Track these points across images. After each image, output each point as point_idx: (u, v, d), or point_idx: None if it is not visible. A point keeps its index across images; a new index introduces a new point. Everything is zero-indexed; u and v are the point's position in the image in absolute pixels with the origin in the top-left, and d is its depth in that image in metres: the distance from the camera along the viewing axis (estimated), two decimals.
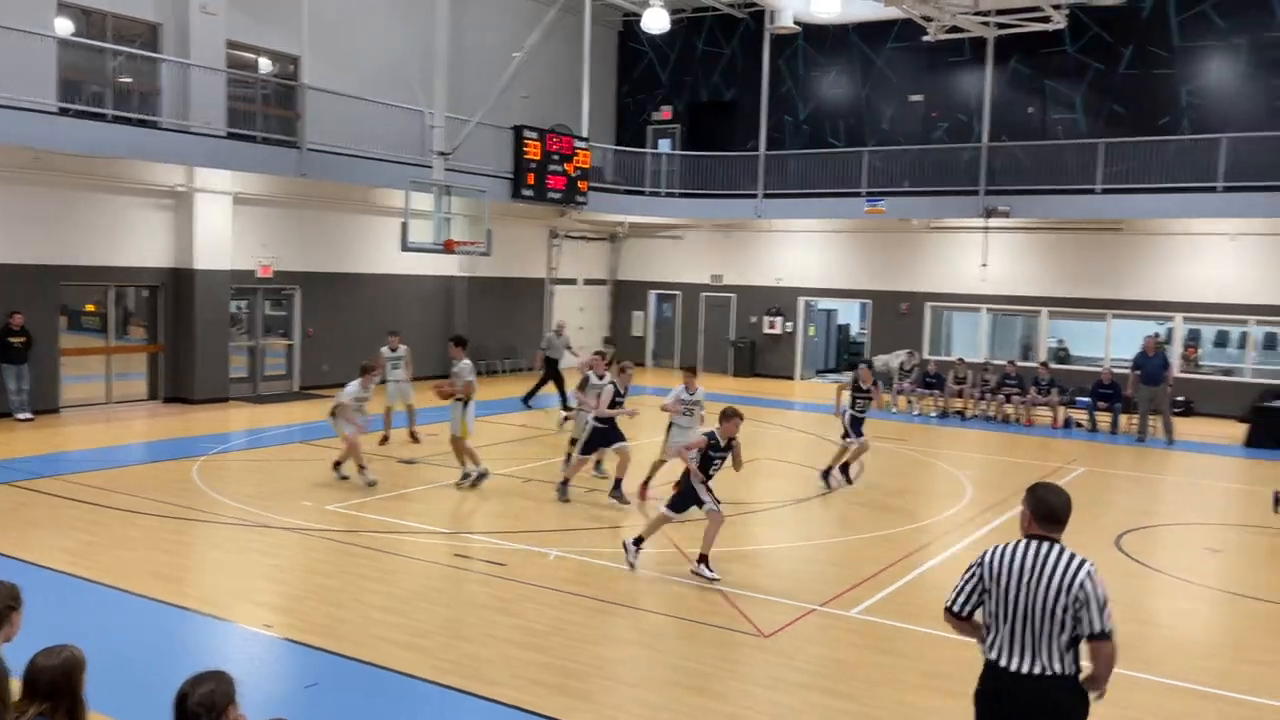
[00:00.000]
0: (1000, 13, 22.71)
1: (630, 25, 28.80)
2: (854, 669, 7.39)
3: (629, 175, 27.19)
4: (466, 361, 12.82)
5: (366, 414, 13.04)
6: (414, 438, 15.61)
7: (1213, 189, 20.53)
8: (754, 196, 26.16)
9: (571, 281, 28.76)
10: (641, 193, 27.00)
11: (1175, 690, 7.21)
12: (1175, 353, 22.33)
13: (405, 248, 18.49)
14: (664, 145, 28.83)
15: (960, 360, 22.65)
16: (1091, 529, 11.80)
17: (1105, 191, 21.69)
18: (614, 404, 12.19)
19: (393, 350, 15.86)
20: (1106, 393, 20.13)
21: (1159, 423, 18.87)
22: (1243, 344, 22.62)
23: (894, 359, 23.42)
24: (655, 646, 7.89)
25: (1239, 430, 19.10)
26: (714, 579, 9.10)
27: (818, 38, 26.55)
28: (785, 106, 27.29)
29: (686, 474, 9.44)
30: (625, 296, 30.01)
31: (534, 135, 22.79)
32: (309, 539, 10.31)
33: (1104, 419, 20.00)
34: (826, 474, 13.60)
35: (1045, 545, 4.41)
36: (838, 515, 12.35)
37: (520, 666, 7.13)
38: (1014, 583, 4.34)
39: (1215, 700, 7.06)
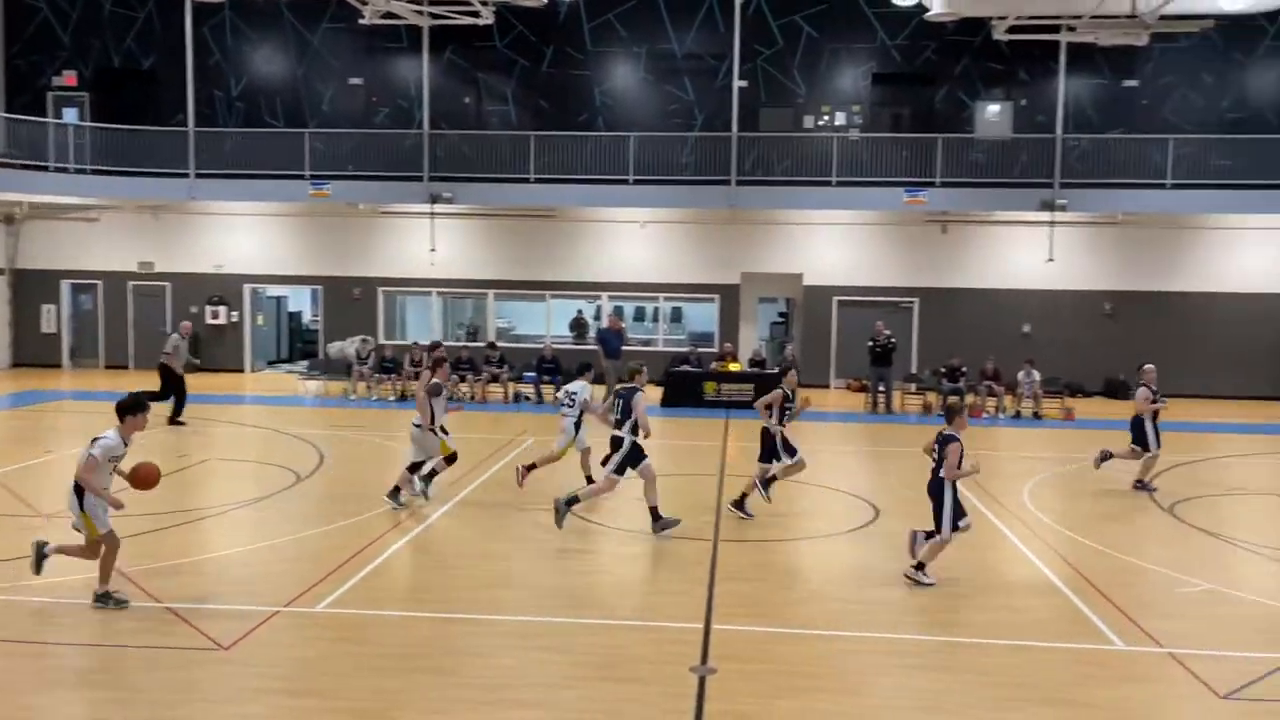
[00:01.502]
0: (433, 2, 23.28)
1: None
2: (324, 664, 7.13)
3: (27, 148, 23.44)
4: None
5: None
6: None
7: (625, 181, 23.10)
8: (186, 176, 24.05)
9: None
10: (44, 168, 23.45)
11: (601, 628, 7.99)
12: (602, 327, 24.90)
13: None
14: (69, 115, 25.22)
15: (415, 344, 23.00)
16: (545, 490, 12.65)
17: (538, 181, 23.37)
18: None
19: None
20: (549, 367, 21.82)
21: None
22: (656, 317, 25.94)
23: (349, 346, 23.10)
24: (103, 686, 6.89)
25: (657, 393, 21.83)
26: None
27: (246, 9, 25.05)
28: (216, 80, 25.41)
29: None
30: (28, 288, 25.91)
31: None
32: None
33: (548, 391, 21.66)
34: (742, 501, 11.79)
35: None
36: (297, 511, 11.82)
37: None
38: None
39: (649, 630, 7.94)
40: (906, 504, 12.58)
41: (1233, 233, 23.81)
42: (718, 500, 12.49)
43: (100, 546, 7.96)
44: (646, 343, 24.81)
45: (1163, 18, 21.07)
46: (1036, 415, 20.55)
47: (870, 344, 21.30)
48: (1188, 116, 23.47)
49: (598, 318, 25.60)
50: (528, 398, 21.85)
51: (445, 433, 11.97)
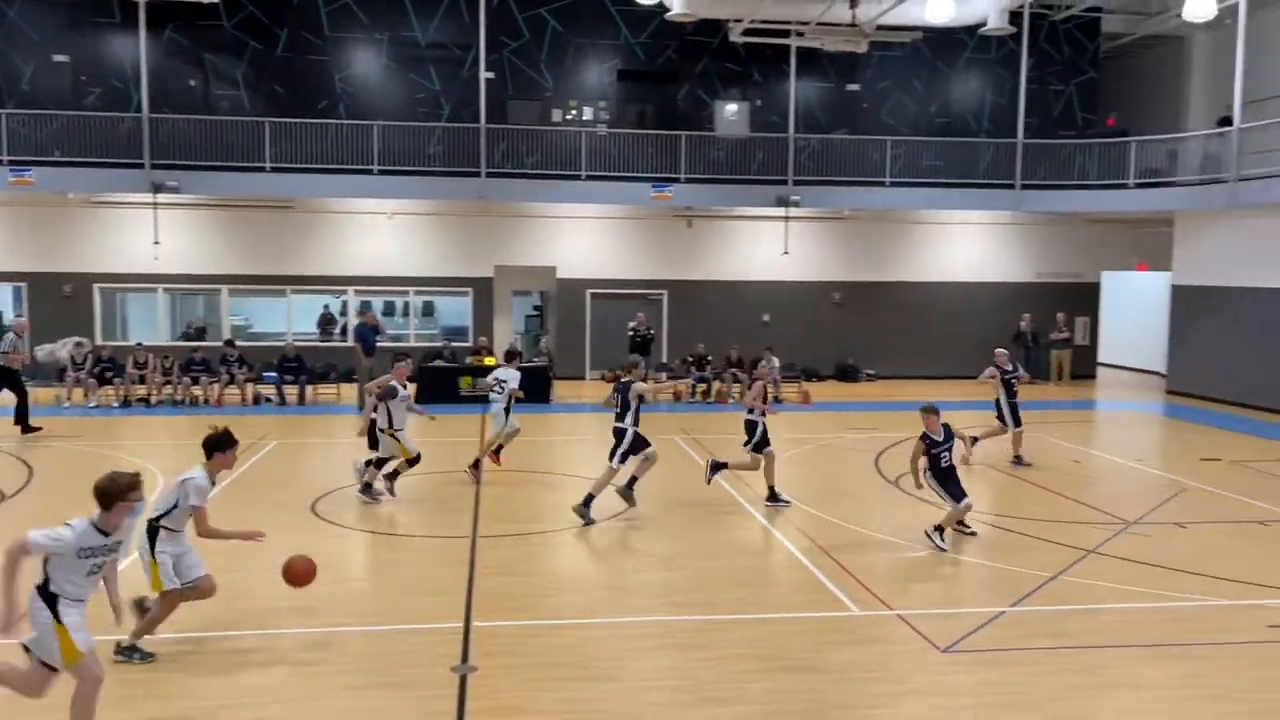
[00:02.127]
0: None
1: None
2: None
3: None
4: None
5: None
6: None
7: (369, 171, 22.32)
8: None
9: None
10: None
11: (373, 635, 7.72)
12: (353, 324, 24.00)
13: None
14: None
15: (140, 345, 21.22)
16: (290, 498, 12.03)
17: (275, 170, 22.13)
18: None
19: None
20: (292, 366, 20.77)
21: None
22: (406, 312, 25.29)
23: (62, 348, 20.96)
24: None
25: (410, 390, 21.24)
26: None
27: None
28: None
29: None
30: None
31: None
32: None
33: (291, 391, 20.60)
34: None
35: None
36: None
37: None
38: None
39: (425, 635, 7.72)
40: (658, 488, 12.92)
41: (943, 227, 26.15)
42: (475, 497, 12.34)
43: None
44: (397, 338, 24.13)
45: (879, 27, 22.79)
46: (777, 399, 21.71)
47: (631, 334, 21.87)
48: (903, 119, 25.52)
49: (344, 313, 24.65)
50: (269, 399, 20.70)
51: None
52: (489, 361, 21.72)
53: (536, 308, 27.08)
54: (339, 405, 20.57)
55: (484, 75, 22.95)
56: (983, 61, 25.63)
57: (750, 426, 12.16)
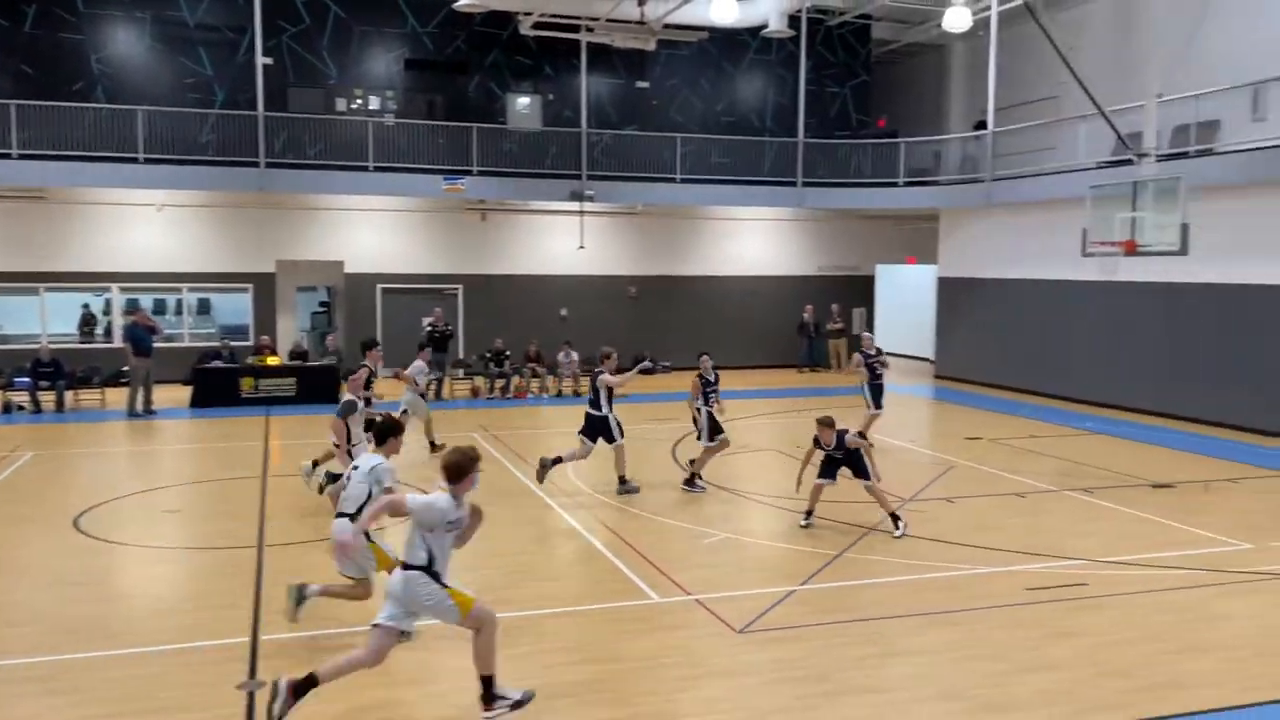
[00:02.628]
0: None
1: None
2: None
3: None
4: None
5: None
6: None
7: (135, 159, 20.74)
8: None
9: None
10: None
11: (133, 658, 7.18)
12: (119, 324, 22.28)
13: None
14: None
15: None
16: (47, 514, 11.04)
17: (22, 157, 20.18)
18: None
19: None
20: (47, 371, 19.06)
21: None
22: (180, 310, 23.70)
23: None
24: None
25: (185, 392, 19.96)
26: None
27: None
28: None
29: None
30: None
31: None
32: None
33: (48, 398, 18.91)
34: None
35: None
36: None
37: None
38: None
39: (190, 653, 7.23)
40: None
41: (732, 223, 27.02)
42: (261, 504, 11.72)
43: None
44: (170, 339, 22.55)
45: (667, 26, 23.27)
46: (576, 393, 21.80)
47: (429, 330, 21.39)
48: (691, 117, 26.16)
49: (108, 313, 22.85)
50: (21, 406, 18.90)
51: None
52: (272, 361, 20.71)
53: (323, 304, 26.03)
54: (105, 411, 19.05)
55: (261, 60, 21.81)
56: (765, 63, 26.64)
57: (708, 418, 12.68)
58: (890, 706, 6.47)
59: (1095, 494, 12.52)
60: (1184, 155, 18.03)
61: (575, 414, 18.13)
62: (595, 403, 12.47)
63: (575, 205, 24.18)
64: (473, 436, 16.36)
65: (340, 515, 7.55)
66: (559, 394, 21.82)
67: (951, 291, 25.28)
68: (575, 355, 22.24)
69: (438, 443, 14.55)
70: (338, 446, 10.37)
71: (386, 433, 7.71)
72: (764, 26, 22.93)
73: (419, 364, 15.26)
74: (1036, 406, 20.43)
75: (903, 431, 17.69)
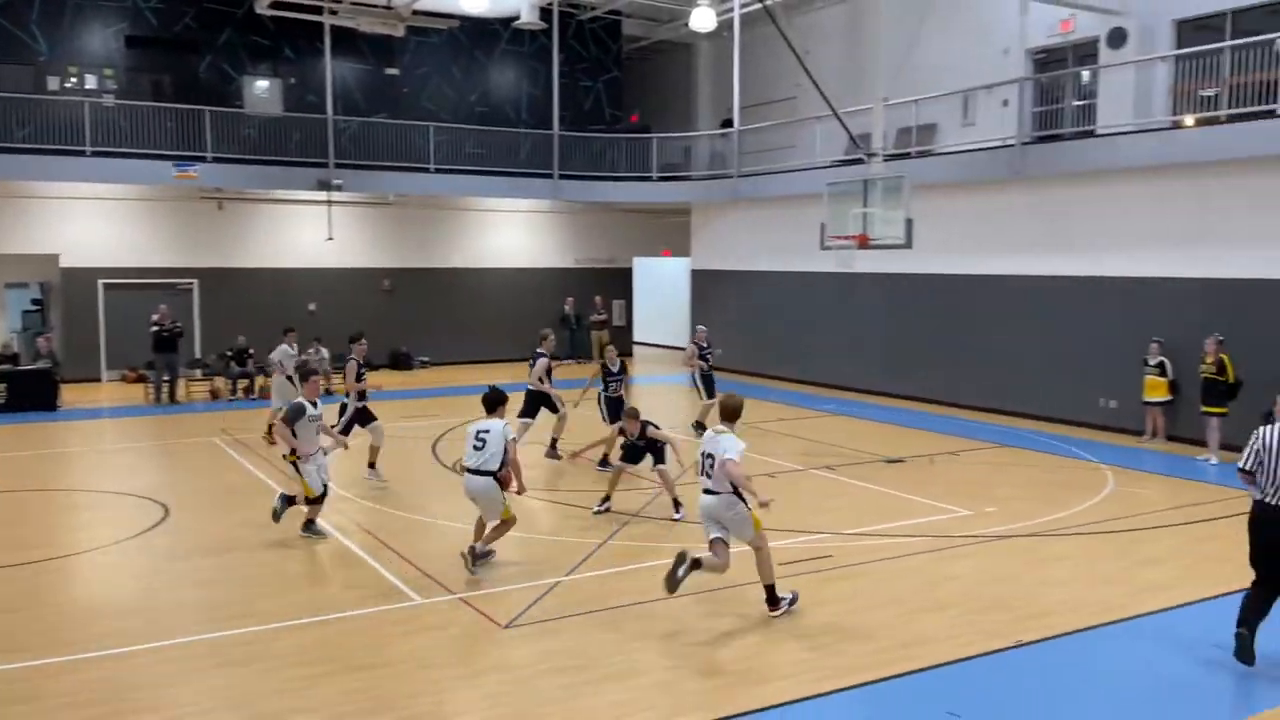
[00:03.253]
0: None
1: None
2: None
3: None
4: None
5: None
6: None
7: None
8: None
9: None
10: None
11: None
12: None
13: None
14: None
15: None
16: None
17: None
18: None
19: None
20: None
21: None
22: None
23: None
24: None
25: None
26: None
27: None
28: None
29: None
30: None
31: None
32: None
33: None
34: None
35: None
36: None
37: None
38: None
39: None
40: (196, 496, 11.90)
41: (489, 214, 26.76)
42: None
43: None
44: None
45: (416, 12, 22.66)
46: (327, 391, 20.83)
47: (155, 329, 19.63)
48: (444, 106, 25.64)
49: None
50: None
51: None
52: None
53: (36, 301, 23.55)
54: None
55: None
56: (518, 54, 26.52)
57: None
58: (653, 688, 6.59)
59: (837, 470, 13.34)
60: (907, 156, 19.54)
61: (327, 412, 17.52)
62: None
63: (322, 195, 23.12)
64: (213, 442, 15.35)
65: (482, 474, 8.79)
66: None
67: (704, 283, 26.21)
68: (326, 352, 21.24)
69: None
70: (293, 453, 9.89)
71: (497, 402, 9.04)
72: (516, 17, 22.80)
73: (284, 348, 15.57)
74: (784, 391, 21.55)
75: (663, 420, 18.11)
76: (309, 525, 10.18)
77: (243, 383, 20.45)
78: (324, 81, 23.30)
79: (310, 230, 24.09)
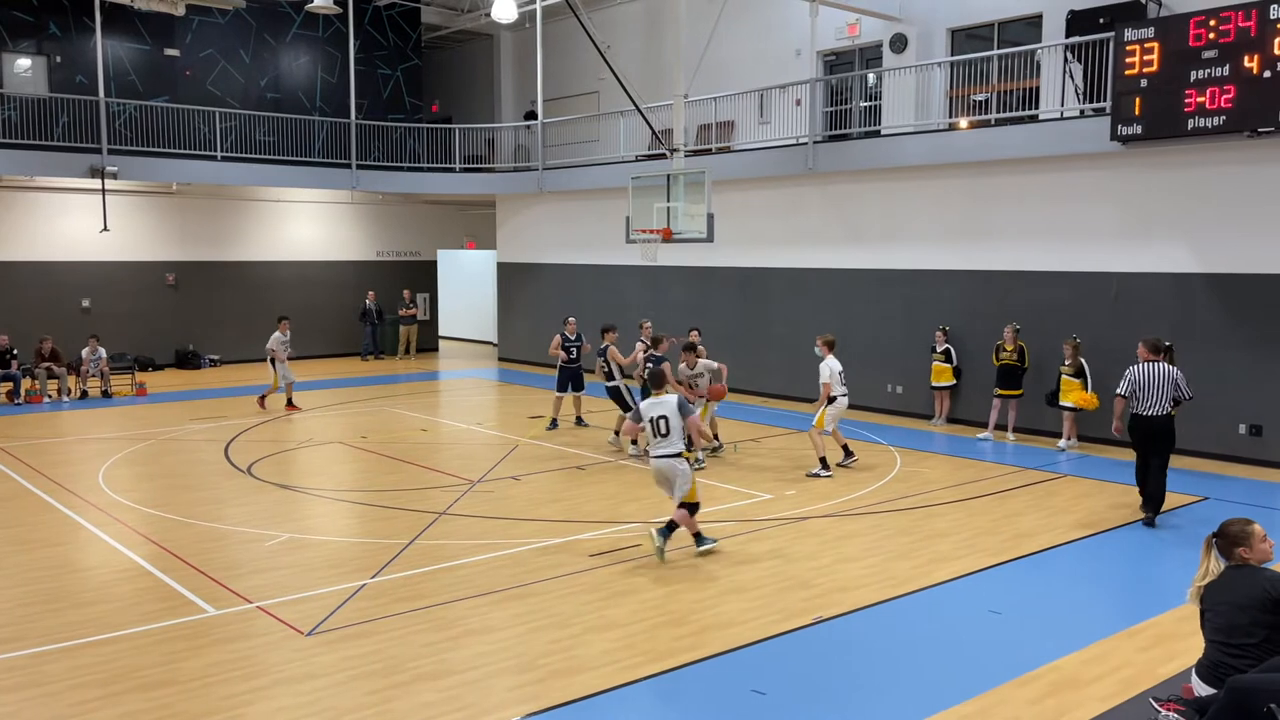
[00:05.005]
0: None
1: None
2: None
3: None
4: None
5: None
6: None
7: None
8: None
9: None
10: None
11: None
12: None
13: None
14: None
15: None
16: None
17: None
18: None
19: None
20: None
21: None
22: None
23: None
24: None
25: None
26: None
27: None
28: None
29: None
30: None
31: None
32: None
33: None
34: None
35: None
36: None
37: None
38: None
39: None
40: None
41: (283, 205, 25.59)
42: None
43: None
44: None
45: None
46: (105, 394, 19.42)
47: None
48: (231, 91, 24.28)
49: None
50: None
51: None
52: None
53: None
54: None
55: None
56: (311, 39, 25.45)
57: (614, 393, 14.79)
58: (465, 686, 6.49)
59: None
60: (708, 151, 20.05)
61: (106, 416, 16.53)
62: (611, 375, 14.81)
63: (95, 182, 21.44)
64: None
65: (669, 456, 9.19)
66: (83, 395, 19.26)
67: (510, 276, 26.02)
68: (104, 351, 19.77)
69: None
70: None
71: (663, 378, 9.91)
72: (309, 0, 21.88)
73: (276, 335, 17.59)
74: (592, 384, 21.68)
75: (470, 415, 17.92)
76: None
77: (6, 386, 18.72)
78: (94, 61, 21.59)
79: (83, 221, 22.33)
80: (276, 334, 17.72)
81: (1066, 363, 14.37)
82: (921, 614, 7.91)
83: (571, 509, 11.03)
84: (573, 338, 16.41)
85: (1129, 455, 13.36)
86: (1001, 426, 15.42)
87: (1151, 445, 10.46)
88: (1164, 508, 10.72)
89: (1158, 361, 10.41)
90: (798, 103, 19.02)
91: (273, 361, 17.73)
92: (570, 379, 16.27)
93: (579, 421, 16.55)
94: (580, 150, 23.56)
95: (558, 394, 16.24)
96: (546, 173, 23.78)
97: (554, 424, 16.16)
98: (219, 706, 6.20)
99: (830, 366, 12.66)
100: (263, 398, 18.01)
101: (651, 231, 15.98)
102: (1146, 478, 10.56)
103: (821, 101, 18.65)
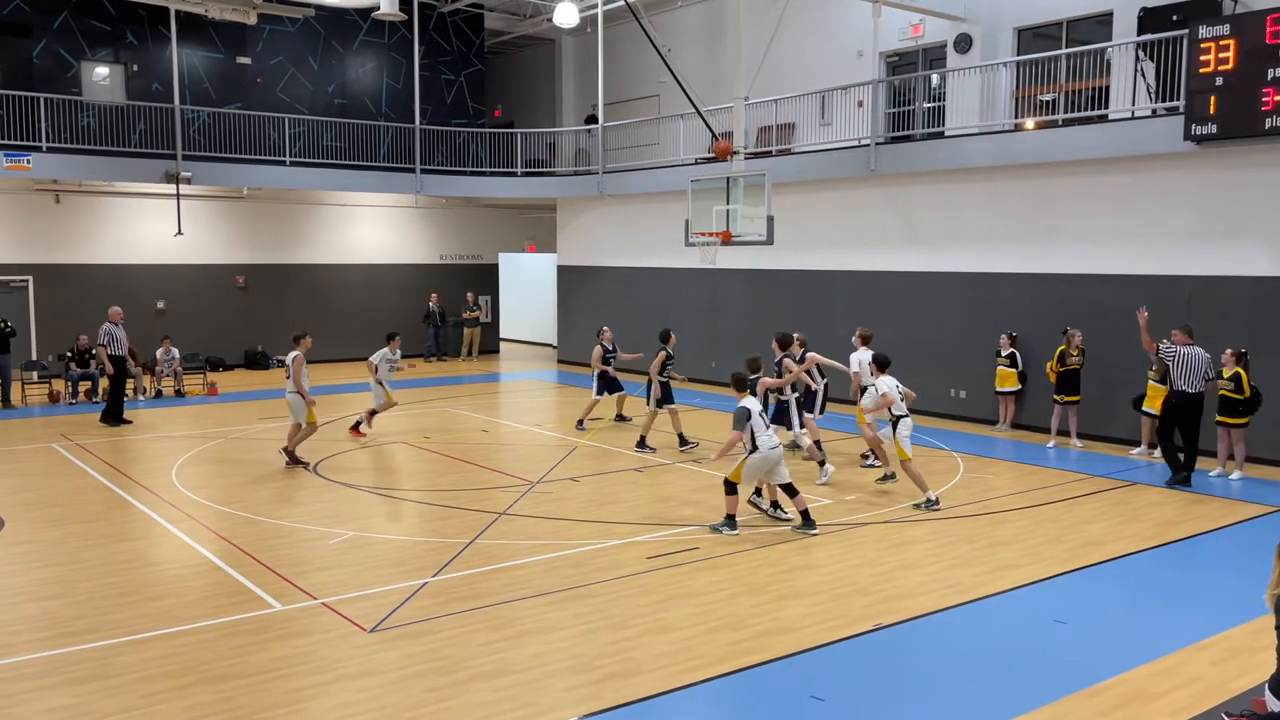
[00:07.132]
0: None
1: None
2: None
3: None
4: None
5: None
6: None
7: None
8: None
9: None
10: None
11: None
12: None
13: None
14: None
15: None
16: None
17: None
18: None
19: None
20: None
21: None
22: None
23: None
24: None
25: None
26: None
27: None
28: None
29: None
30: None
31: None
32: None
33: None
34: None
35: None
36: None
37: None
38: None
39: None
40: (34, 505, 11.21)
41: (349, 209, 26.04)
42: None
43: None
44: None
45: (268, 0, 21.84)
46: (179, 393, 19.94)
47: None
48: (299, 97, 24.78)
49: None
50: None
51: None
52: None
53: None
54: None
55: None
56: (377, 46, 25.87)
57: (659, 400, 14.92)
58: (521, 686, 6.53)
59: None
60: (768, 154, 19.96)
61: (180, 415, 16.86)
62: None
63: (170, 187, 22.03)
64: (52, 447, 14.47)
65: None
66: (158, 394, 19.81)
67: (570, 279, 26.17)
68: (177, 352, 20.32)
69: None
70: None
71: (743, 383, 10.42)
72: (375, 8, 22.24)
73: (384, 352, 15.73)
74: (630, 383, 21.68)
75: (529, 416, 18.05)
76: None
77: (84, 385, 19.32)
78: (170, 69, 22.22)
79: (157, 225, 22.96)
80: (385, 350, 15.69)
81: (1154, 369, 13.89)
82: (984, 622, 7.78)
83: (629, 511, 11.06)
84: (610, 348, 16.41)
85: (1207, 464, 13.01)
86: (1064, 433, 15.09)
87: (1186, 417, 12.34)
88: (1238, 519, 10.42)
89: (1192, 346, 12.34)
90: (860, 104, 18.85)
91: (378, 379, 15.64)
92: (608, 385, 16.33)
93: (620, 418, 16.67)
94: (640, 154, 23.61)
95: (595, 396, 16.31)
96: (607, 176, 23.87)
97: (580, 424, 16.31)
98: (282, 700, 6.33)
99: (887, 382, 12.06)
100: (370, 415, 15.86)
101: (711, 234, 15.95)
102: (1174, 447, 12.40)
103: (884, 103, 18.46)
